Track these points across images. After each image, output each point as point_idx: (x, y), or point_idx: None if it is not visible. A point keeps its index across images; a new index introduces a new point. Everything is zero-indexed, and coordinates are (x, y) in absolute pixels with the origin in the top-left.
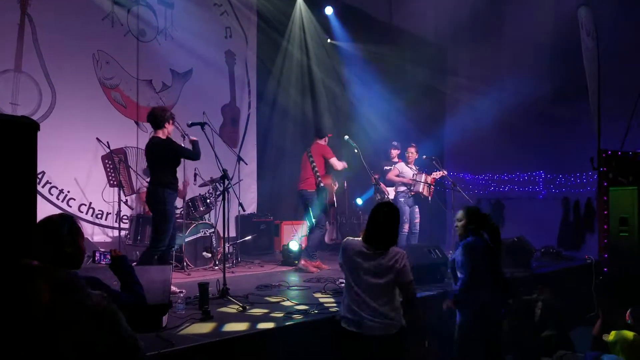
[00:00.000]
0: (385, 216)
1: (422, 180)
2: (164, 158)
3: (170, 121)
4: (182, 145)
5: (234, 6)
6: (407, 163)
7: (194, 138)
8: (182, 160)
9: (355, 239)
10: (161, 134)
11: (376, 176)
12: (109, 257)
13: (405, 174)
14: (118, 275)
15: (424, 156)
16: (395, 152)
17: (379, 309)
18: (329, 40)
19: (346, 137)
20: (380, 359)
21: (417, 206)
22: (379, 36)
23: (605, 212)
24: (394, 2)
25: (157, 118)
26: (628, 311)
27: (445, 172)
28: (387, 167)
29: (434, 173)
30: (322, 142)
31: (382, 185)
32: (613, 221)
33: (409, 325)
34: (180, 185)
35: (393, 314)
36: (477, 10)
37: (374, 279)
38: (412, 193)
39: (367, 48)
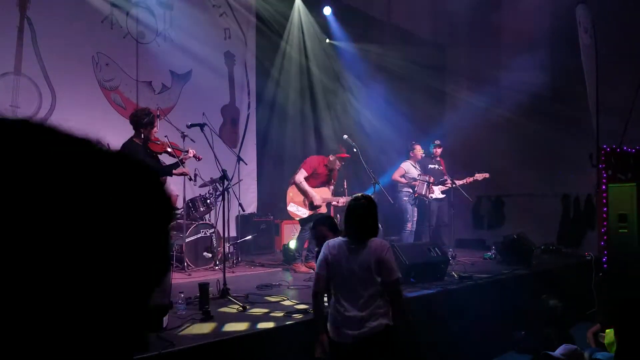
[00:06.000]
0: (364, 208)
1: (426, 180)
2: None
3: (148, 127)
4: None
5: (232, 8)
6: (415, 161)
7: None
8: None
9: (335, 238)
10: (136, 138)
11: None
12: None
13: (411, 174)
14: None
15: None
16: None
17: (360, 314)
18: (327, 41)
19: (345, 136)
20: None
21: (418, 208)
22: (377, 36)
23: (605, 209)
24: (392, 1)
25: (132, 122)
26: None
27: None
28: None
29: (466, 179)
30: (332, 156)
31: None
32: (612, 218)
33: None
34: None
35: (378, 314)
36: (474, 9)
37: (355, 278)
38: (415, 195)
39: (365, 48)
